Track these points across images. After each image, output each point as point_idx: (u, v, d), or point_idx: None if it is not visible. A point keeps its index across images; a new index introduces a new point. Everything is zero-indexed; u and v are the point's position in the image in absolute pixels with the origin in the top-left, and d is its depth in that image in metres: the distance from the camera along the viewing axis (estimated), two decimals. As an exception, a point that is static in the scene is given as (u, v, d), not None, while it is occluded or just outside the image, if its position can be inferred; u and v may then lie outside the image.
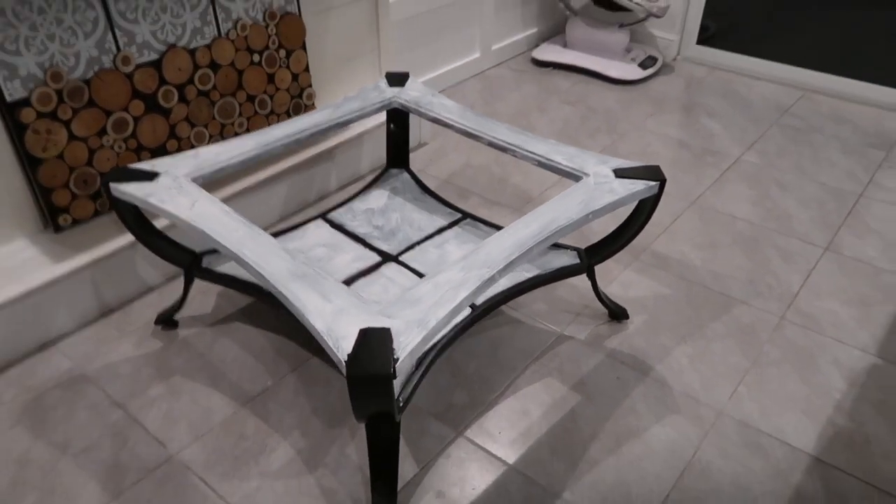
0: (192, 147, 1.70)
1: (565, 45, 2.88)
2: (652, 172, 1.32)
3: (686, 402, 1.37)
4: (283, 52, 1.80)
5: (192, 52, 1.61)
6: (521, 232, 1.17)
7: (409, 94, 1.62)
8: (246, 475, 1.21)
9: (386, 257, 1.49)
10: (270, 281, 1.05)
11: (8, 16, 1.32)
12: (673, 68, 2.87)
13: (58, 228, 1.52)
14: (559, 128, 2.38)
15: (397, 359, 0.92)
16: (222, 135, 1.75)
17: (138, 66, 1.54)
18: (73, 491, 1.18)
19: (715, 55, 2.87)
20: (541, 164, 1.40)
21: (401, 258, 1.48)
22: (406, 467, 1.23)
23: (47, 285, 1.43)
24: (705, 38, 2.91)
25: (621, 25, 2.76)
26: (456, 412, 1.34)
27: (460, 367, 1.43)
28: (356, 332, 0.95)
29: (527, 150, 1.41)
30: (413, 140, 2.22)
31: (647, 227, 1.88)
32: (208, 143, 1.73)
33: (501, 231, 1.17)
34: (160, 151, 1.64)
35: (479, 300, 1.32)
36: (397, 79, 1.68)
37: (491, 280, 1.07)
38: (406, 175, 1.76)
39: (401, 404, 1.09)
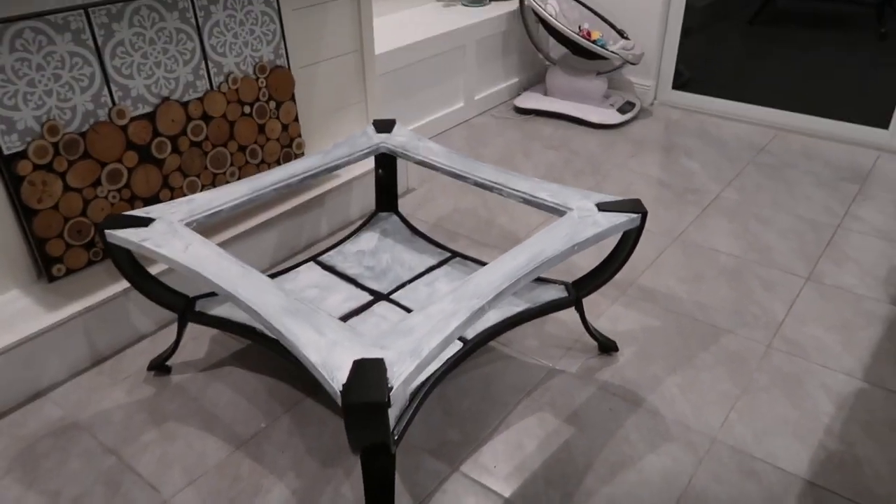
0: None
1: (546, 93, 2.98)
2: (633, 205, 1.37)
3: (679, 430, 1.38)
4: (273, 104, 1.86)
5: (185, 105, 1.67)
6: (509, 264, 1.20)
7: (396, 140, 1.68)
8: (241, 518, 1.20)
9: (377, 296, 1.51)
10: (265, 317, 1.07)
11: (7, 73, 1.37)
12: (651, 112, 2.97)
13: (51, 278, 1.53)
14: (544, 171, 2.45)
15: (392, 387, 0.93)
16: (214, 184, 1.79)
17: (133, 119, 1.58)
18: (65, 540, 1.16)
19: (690, 99, 2.98)
20: (526, 201, 1.44)
21: (392, 297, 1.51)
22: (402, 503, 1.22)
23: (39, 335, 1.43)
24: (681, 83, 3.03)
25: (599, 73, 2.87)
26: (451, 448, 1.34)
27: (453, 403, 1.44)
28: (350, 363, 0.97)
29: (512, 188, 1.46)
30: (401, 186, 2.27)
31: (632, 262, 1.92)
32: (200, 192, 1.76)
33: (490, 264, 1.20)
34: (153, 201, 1.67)
35: (470, 334, 1.34)
36: (385, 125, 1.74)
37: (481, 310, 1.10)
38: (395, 218, 1.80)
39: (395, 437, 1.10)
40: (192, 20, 1.64)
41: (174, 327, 1.66)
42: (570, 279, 1.67)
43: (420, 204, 2.23)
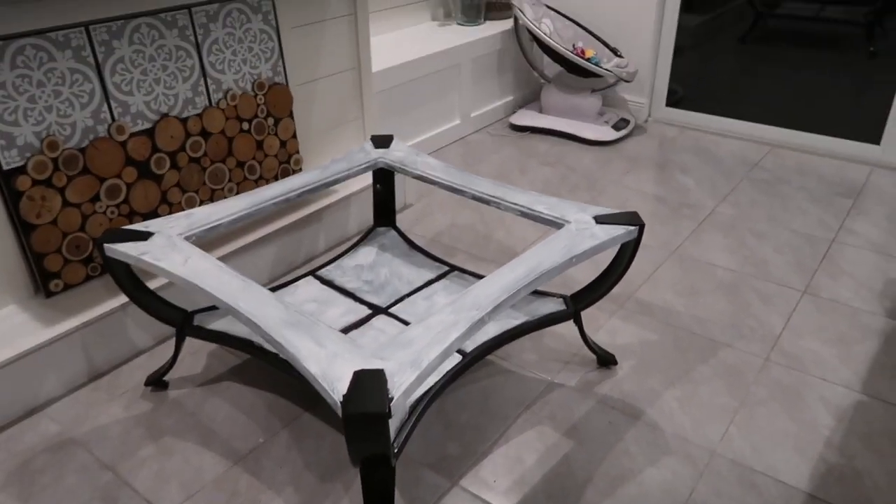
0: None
1: (541, 111, 3.01)
2: (630, 218, 1.38)
3: (678, 443, 1.37)
4: (271, 121, 1.87)
5: (184, 121, 1.68)
6: (508, 276, 1.20)
7: (394, 155, 1.69)
8: (239, 533, 1.19)
9: (376, 310, 1.51)
10: (265, 329, 1.07)
11: (8, 89, 1.38)
12: (645, 129, 2.99)
13: (49, 293, 1.53)
14: (540, 187, 2.46)
15: (392, 398, 0.93)
16: (213, 200, 1.80)
17: (132, 135, 1.59)
18: (61, 557, 1.15)
19: (684, 116, 3.02)
20: (524, 214, 1.45)
21: (391, 310, 1.51)
22: (402, 519, 1.22)
23: (36, 350, 1.43)
24: (674, 101, 3.06)
25: (593, 91, 2.90)
26: (450, 462, 1.33)
27: (452, 417, 1.43)
28: (350, 374, 0.97)
29: (510, 202, 1.47)
30: (398, 202, 2.28)
31: (629, 277, 1.92)
32: (199, 207, 1.77)
33: (489, 276, 1.20)
34: (152, 216, 1.68)
35: (469, 347, 1.34)
36: (382, 141, 1.75)
37: (481, 322, 1.10)
38: (393, 232, 1.81)
39: (395, 450, 1.09)
40: (192, 38, 1.65)
41: (172, 342, 1.65)
42: (567, 293, 1.67)
43: (417, 219, 2.24)
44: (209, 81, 1.71)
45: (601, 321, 1.74)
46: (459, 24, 3.01)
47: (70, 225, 1.52)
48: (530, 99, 3.27)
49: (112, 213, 1.59)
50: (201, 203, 1.77)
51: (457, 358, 1.32)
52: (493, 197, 1.49)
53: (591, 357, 1.61)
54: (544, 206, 1.44)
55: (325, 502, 1.24)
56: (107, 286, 1.60)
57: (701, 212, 2.28)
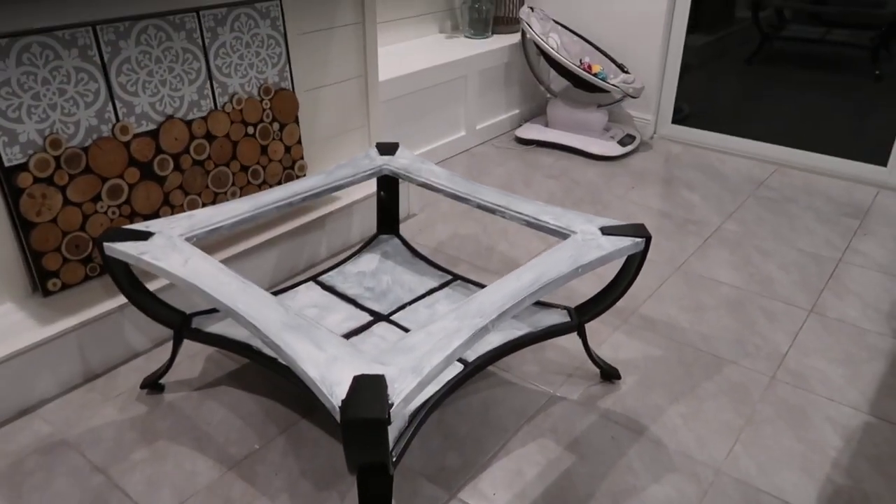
0: (185, 214, 1.73)
1: (547, 125, 3.00)
2: (637, 230, 1.36)
3: (682, 460, 1.34)
4: (276, 126, 1.87)
5: (188, 124, 1.67)
6: (513, 284, 1.18)
7: (398, 162, 1.68)
8: (231, 542, 1.16)
9: (377, 317, 1.49)
10: (264, 332, 1.05)
11: (13, 85, 1.37)
12: (651, 146, 2.99)
13: (46, 293, 1.51)
14: (545, 200, 2.44)
15: (392, 404, 0.91)
16: (215, 203, 1.78)
17: (136, 136, 1.58)
18: (48, 561, 1.12)
19: (690, 133, 3.01)
20: (529, 224, 1.43)
21: (392, 318, 1.48)
22: (398, 531, 1.19)
23: (31, 349, 1.41)
24: (680, 118, 3.05)
25: (599, 106, 2.89)
26: (449, 474, 1.30)
27: (452, 428, 1.41)
28: (350, 378, 0.95)
29: (515, 211, 1.45)
30: (402, 211, 2.26)
31: (634, 291, 1.90)
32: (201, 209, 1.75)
33: (493, 284, 1.18)
34: (153, 218, 1.66)
35: (471, 356, 1.32)
36: (388, 148, 1.74)
37: (484, 330, 1.08)
38: (396, 240, 1.79)
39: (394, 458, 1.07)
40: (199, 41, 1.65)
41: (169, 345, 1.63)
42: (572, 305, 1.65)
43: (421, 229, 2.22)
44: (215, 85, 1.71)
45: (605, 335, 1.71)
46: (467, 36, 3.02)
47: (70, 224, 1.51)
48: (536, 112, 3.26)
49: (113, 213, 1.58)
50: (204, 206, 1.76)
51: (458, 367, 1.30)
52: (499, 206, 1.47)
53: (594, 371, 1.58)
54: (550, 216, 1.43)
55: (321, 512, 1.21)
56: (105, 287, 1.58)
57: (706, 228, 2.26)
